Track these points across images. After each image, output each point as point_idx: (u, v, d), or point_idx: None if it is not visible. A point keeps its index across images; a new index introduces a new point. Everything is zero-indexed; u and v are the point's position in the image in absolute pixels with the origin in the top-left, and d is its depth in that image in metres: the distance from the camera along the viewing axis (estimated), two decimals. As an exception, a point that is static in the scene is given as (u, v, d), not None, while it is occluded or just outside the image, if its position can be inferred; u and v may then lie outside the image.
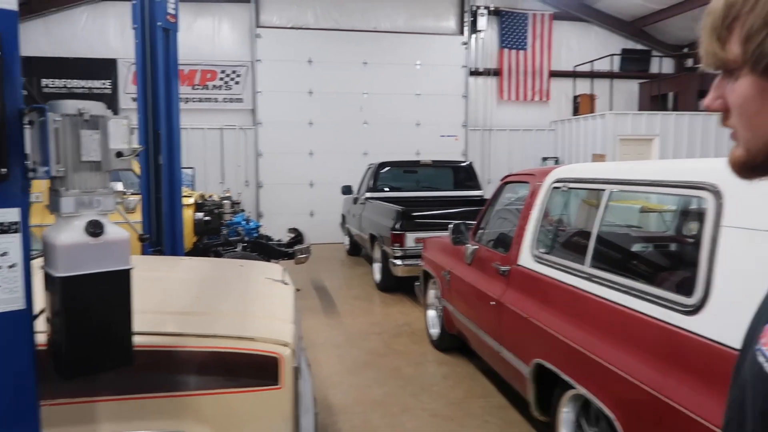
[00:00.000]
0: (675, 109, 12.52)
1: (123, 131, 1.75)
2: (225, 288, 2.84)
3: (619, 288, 2.49)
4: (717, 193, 2.08)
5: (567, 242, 3.28)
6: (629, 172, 2.71)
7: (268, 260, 6.04)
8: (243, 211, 7.37)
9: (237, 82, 12.07)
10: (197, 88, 11.93)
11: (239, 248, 6.37)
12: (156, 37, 4.52)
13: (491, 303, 3.68)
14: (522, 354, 3.27)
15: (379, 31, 12.55)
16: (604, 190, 2.83)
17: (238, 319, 2.31)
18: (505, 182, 4.25)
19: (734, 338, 1.87)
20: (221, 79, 12.03)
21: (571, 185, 3.17)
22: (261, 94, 12.07)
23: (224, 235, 6.51)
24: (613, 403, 2.36)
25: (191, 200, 6.23)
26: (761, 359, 0.76)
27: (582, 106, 13.06)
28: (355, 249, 10.40)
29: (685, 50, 13.90)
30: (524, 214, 3.56)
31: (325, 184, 12.02)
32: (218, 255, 6.15)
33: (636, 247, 3.20)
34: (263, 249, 6.53)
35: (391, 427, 3.78)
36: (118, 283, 1.73)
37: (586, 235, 2.95)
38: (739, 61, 0.75)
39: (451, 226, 4.37)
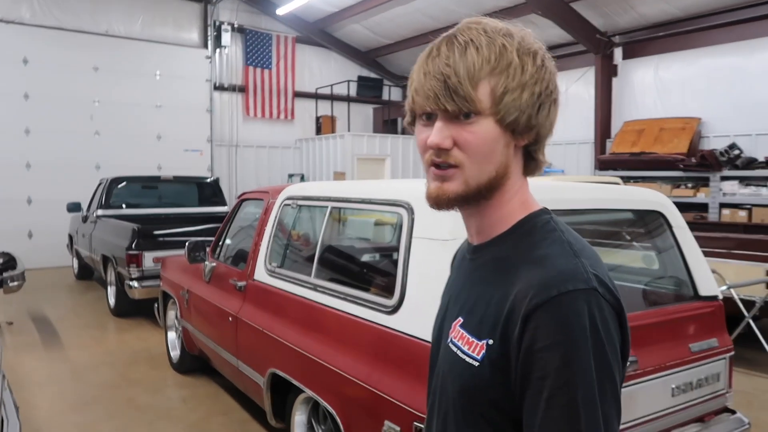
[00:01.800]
0: (403, 132, 14.11)
1: None
2: None
3: (339, 295, 2.76)
4: (410, 210, 2.46)
5: (297, 256, 3.49)
6: (345, 191, 3.03)
7: (-32, 291, 5.11)
8: (-68, 234, 6.12)
9: (-77, 79, 9.97)
10: None
11: (-75, 279, 5.26)
12: None
13: (229, 319, 3.72)
14: (258, 366, 3.37)
15: (112, 35, 11.58)
16: (326, 206, 3.11)
17: None
18: (242, 199, 4.34)
19: (423, 331, 2.23)
20: None
21: (300, 202, 3.40)
22: (-41, 94, 10.16)
23: None
24: (334, 400, 2.61)
25: None
26: (454, 348, 0.94)
27: (324, 126, 13.89)
28: (86, 272, 9.38)
29: (410, 81, 15.79)
30: (259, 230, 3.69)
31: (48, 201, 10.60)
32: None
33: (355, 258, 3.56)
34: (-40, 278, 5.49)
35: (122, 461, 3.53)
36: None
37: (313, 248, 3.19)
38: (486, 110, 0.87)
39: (187, 244, 4.28)
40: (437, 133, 0.88)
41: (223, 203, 9.03)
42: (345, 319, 2.65)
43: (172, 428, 3.96)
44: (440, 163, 0.90)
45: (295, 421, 3.11)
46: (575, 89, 11.43)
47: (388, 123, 14.59)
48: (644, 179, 9.71)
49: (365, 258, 3.74)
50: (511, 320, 0.84)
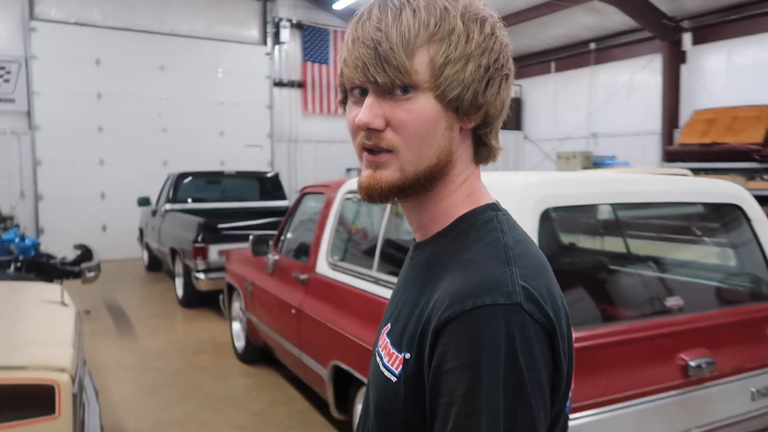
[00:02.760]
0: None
1: None
2: (-10, 315, 2.54)
3: (401, 289, 2.76)
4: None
5: (358, 249, 3.53)
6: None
7: (50, 281, 5.44)
8: (17, 226, 6.54)
9: (7, 80, 10.60)
10: (-47, 85, 10.25)
11: (11, 269, 5.63)
12: None
13: (292, 311, 3.79)
14: (320, 358, 3.43)
15: (176, 34, 12.00)
16: (387, 201, 3.12)
17: (5, 347, 2.10)
18: (303, 193, 4.41)
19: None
20: (-15, 76, 10.48)
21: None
22: (38, 94, 10.74)
23: (-8, 255, 5.70)
24: (397, 394, 2.62)
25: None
26: (377, 359, 0.84)
27: (381, 120, 13.92)
28: (155, 264, 9.79)
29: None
30: (320, 224, 3.74)
31: (120, 195, 11.11)
32: (-16, 278, 5.37)
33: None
34: (42, 268, 5.84)
35: (191, 446, 3.68)
36: None
37: (374, 241, 3.21)
38: (424, 83, 0.75)
39: (251, 237, 4.39)
40: (367, 110, 0.77)
41: (284, 197, 9.22)
42: (407, 313, 2.65)
43: (236, 415, 4.09)
44: (371, 147, 0.78)
45: (358, 414, 3.14)
46: (640, 77, 10.98)
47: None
48: (715, 171, 9.23)
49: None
50: (426, 333, 0.74)
